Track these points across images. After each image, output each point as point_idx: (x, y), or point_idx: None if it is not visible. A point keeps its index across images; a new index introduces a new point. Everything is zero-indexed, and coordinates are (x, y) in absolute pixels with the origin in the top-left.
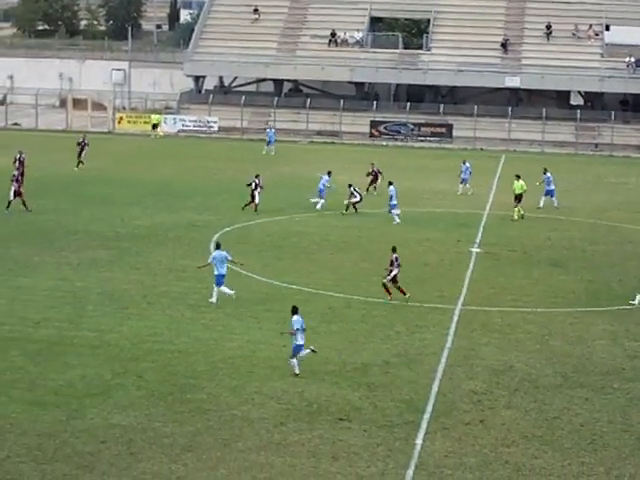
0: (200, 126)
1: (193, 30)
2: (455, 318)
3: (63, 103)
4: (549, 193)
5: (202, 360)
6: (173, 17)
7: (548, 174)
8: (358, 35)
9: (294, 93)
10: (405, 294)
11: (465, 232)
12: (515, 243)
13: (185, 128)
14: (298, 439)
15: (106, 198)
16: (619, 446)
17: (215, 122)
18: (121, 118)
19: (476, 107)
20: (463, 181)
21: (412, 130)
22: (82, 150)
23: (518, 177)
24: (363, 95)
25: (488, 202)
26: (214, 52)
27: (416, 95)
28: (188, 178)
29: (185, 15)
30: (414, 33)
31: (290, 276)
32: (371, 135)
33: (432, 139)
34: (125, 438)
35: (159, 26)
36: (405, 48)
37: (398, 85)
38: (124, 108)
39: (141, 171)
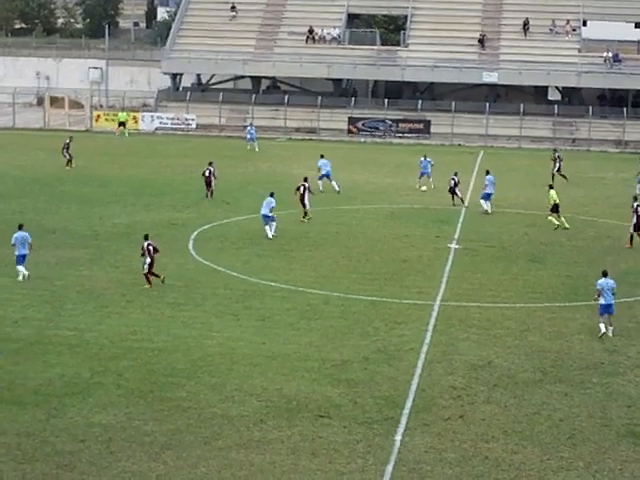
0: (178, 124)
1: (170, 28)
2: (434, 314)
3: (40, 101)
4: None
5: (182, 358)
6: (150, 15)
7: (490, 176)
8: (335, 32)
9: (272, 90)
10: (159, 276)
11: (444, 228)
12: (493, 239)
13: (163, 126)
14: (278, 436)
15: (84, 197)
16: (598, 440)
17: (193, 119)
18: (98, 116)
19: (454, 103)
20: (422, 175)
21: (390, 126)
22: (67, 148)
23: (551, 187)
24: (341, 92)
25: (466, 198)
26: (191, 49)
27: (394, 91)
28: (167, 176)
29: (162, 13)
30: (391, 29)
31: (269, 273)
32: (349, 132)
33: (410, 135)
34: (105, 437)
35: (136, 24)
36: (383, 44)
37: (376, 81)
38: (101, 106)
39: (120, 169)
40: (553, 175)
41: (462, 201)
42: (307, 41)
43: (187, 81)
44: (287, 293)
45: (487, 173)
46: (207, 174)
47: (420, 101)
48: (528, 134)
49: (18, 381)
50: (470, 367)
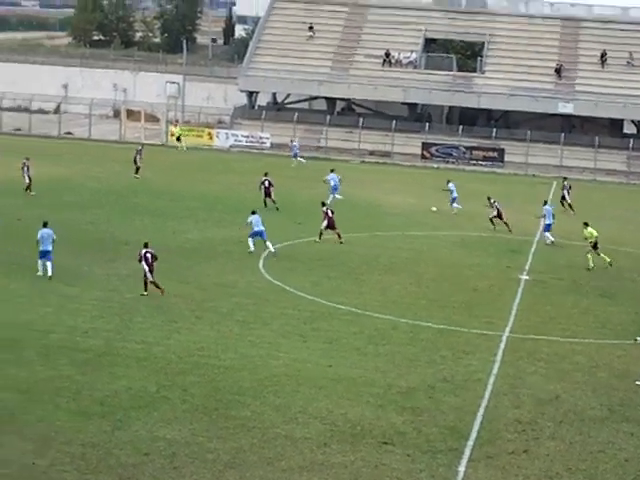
0: (252, 142)
1: (248, 45)
2: (502, 345)
3: (117, 114)
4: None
5: (248, 377)
6: (228, 32)
7: (547, 206)
8: (412, 56)
9: (347, 112)
10: (159, 288)
11: (515, 258)
12: (564, 272)
13: (237, 143)
14: (341, 460)
15: (158, 210)
16: None
17: (267, 138)
18: (184, 131)
19: (529, 132)
20: (453, 200)
21: (464, 153)
22: (138, 156)
23: (586, 225)
24: (416, 116)
25: (539, 229)
26: (268, 68)
27: (469, 118)
28: (239, 193)
29: (240, 30)
30: (468, 55)
31: (338, 296)
32: (422, 157)
33: (484, 163)
34: (168, 452)
35: (214, 40)
36: (459, 70)
37: (451, 107)
38: (177, 121)
39: (193, 184)
40: (563, 203)
41: (507, 226)
42: (383, 64)
43: (263, 99)
44: (355, 316)
45: (545, 203)
46: (266, 185)
47: (494, 129)
48: (602, 167)
49: (85, 391)
50: (536, 401)
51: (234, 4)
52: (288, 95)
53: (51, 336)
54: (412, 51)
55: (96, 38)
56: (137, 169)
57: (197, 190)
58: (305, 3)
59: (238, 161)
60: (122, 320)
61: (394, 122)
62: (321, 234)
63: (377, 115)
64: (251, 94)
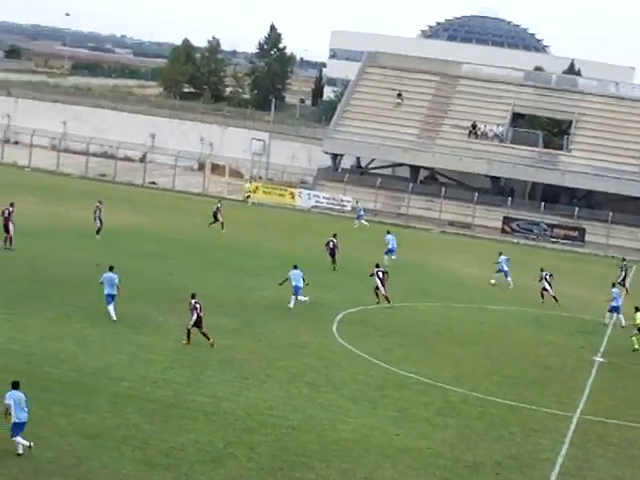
0: (334, 204)
1: (335, 108)
2: (572, 427)
3: (201, 167)
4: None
5: (315, 439)
6: (317, 93)
7: (616, 289)
8: (499, 129)
9: (430, 181)
10: (209, 339)
11: (590, 339)
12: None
13: (318, 204)
14: None
15: (235, 266)
16: None
17: (349, 201)
18: (257, 188)
19: (610, 213)
20: (505, 273)
21: (545, 230)
22: (217, 212)
23: (637, 309)
24: (498, 189)
25: (621, 312)
26: (354, 132)
27: (551, 195)
28: (318, 254)
29: (329, 92)
30: (555, 132)
31: (410, 364)
32: (503, 231)
33: (564, 241)
34: None
35: (302, 100)
36: (545, 147)
37: (534, 183)
38: (261, 178)
39: (272, 242)
40: (613, 284)
41: (555, 300)
42: (469, 135)
43: (347, 162)
44: (426, 387)
45: (613, 286)
46: (331, 246)
47: (577, 208)
48: None
49: (152, 441)
50: None
51: (325, 66)
52: (372, 160)
53: (122, 384)
54: (499, 124)
55: (186, 90)
56: (222, 224)
57: (276, 248)
58: (395, 70)
59: (318, 222)
60: (193, 373)
61: (476, 194)
62: (378, 296)
63: (460, 186)
64: (335, 156)
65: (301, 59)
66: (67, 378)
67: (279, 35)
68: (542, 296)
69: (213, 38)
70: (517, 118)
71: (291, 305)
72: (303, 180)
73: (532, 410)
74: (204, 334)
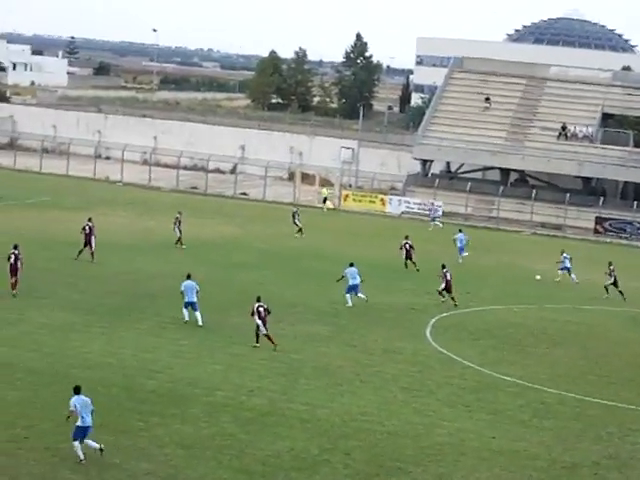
0: (424, 209)
1: (424, 114)
2: None
3: (291, 176)
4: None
5: (410, 444)
6: (404, 99)
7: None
8: (588, 130)
9: (520, 183)
10: (273, 342)
11: None
12: None
13: (409, 210)
14: None
15: (326, 273)
16: None
17: (440, 206)
18: (347, 196)
19: None
20: (568, 270)
21: (638, 229)
22: (294, 218)
23: None
24: (589, 190)
25: None
26: (443, 137)
27: None
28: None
29: (416, 99)
30: None
31: (504, 367)
32: (595, 231)
33: None
34: None
35: (390, 107)
36: (635, 146)
37: (626, 182)
38: (350, 186)
39: (363, 249)
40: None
41: (622, 295)
42: (559, 137)
43: (436, 167)
44: (521, 389)
45: (562, 253)
46: (407, 247)
47: None
48: None
49: (248, 450)
50: None
51: (411, 73)
52: (462, 164)
53: (217, 393)
54: (588, 125)
55: (274, 101)
56: (300, 230)
57: (366, 255)
58: (482, 74)
59: (409, 228)
60: (287, 380)
61: (567, 195)
62: (441, 294)
63: (550, 187)
64: (425, 162)
65: (388, 67)
66: (162, 389)
67: (365, 44)
68: (607, 291)
69: (300, 49)
70: (606, 118)
71: (350, 304)
72: (393, 187)
73: (630, 409)
74: (267, 336)
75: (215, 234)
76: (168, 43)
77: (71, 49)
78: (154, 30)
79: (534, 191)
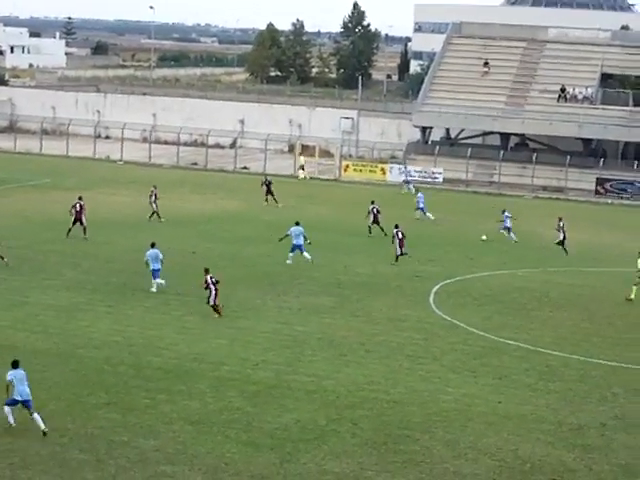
0: (425, 177)
1: (423, 81)
2: None
3: (291, 149)
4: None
5: (417, 411)
6: (403, 68)
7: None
8: (588, 91)
9: (520, 147)
10: (220, 314)
11: None
12: None
13: (410, 179)
14: None
15: (329, 245)
16: None
17: (440, 173)
18: (347, 166)
19: None
20: (508, 229)
21: (639, 189)
22: (269, 189)
23: None
24: (590, 151)
25: None
26: (442, 103)
27: None
28: (412, 228)
29: (415, 66)
30: None
31: (509, 331)
32: (597, 192)
33: None
34: None
35: (389, 76)
36: (635, 105)
37: (627, 143)
38: (351, 156)
39: (364, 220)
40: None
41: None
42: (559, 99)
43: (436, 134)
44: (526, 352)
45: (503, 212)
46: (375, 212)
47: None
48: None
49: (255, 423)
50: None
51: (410, 40)
52: (462, 130)
53: (222, 368)
54: (588, 86)
55: (273, 74)
56: (274, 199)
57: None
58: (481, 39)
59: (410, 196)
60: (293, 353)
61: (568, 157)
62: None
63: (551, 150)
64: (425, 129)
65: (386, 35)
66: (169, 365)
67: (363, 13)
68: (563, 248)
69: (297, 20)
70: (606, 79)
71: (290, 261)
72: (393, 155)
73: (634, 370)
74: (213, 306)
75: (218, 209)
76: (165, 20)
77: (68, 30)
78: (151, 7)
79: (534, 154)
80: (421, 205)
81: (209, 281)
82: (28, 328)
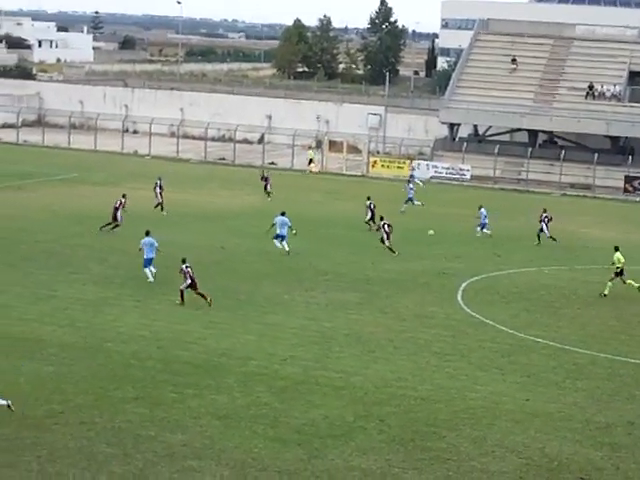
0: (452, 173)
1: (450, 77)
2: None
3: (319, 144)
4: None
5: (444, 409)
6: (430, 64)
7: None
8: (616, 89)
9: (548, 144)
10: (207, 299)
11: None
12: None
13: (437, 175)
14: None
15: (357, 241)
16: None
17: (468, 170)
18: (375, 162)
19: None
20: (484, 226)
21: None
22: (267, 184)
23: (617, 248)
24: (618, 149)
25: None
26: (470, 100)
27: None
28: (440, 225)
29: (442, 62)
30: None
31: (536, 329)
32: (625, 190)
33: None
34: None
35: (416, 72)
36: None
37: None
38: (378, 152)
39: (392, 216)
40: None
41: (554, 240)
42: (587, 97)
43: (463, 131)
44: (553, 350)
45: (480, 208)
46: (372, 207)
47: None
48: None
49: (282, 419)
50: None
51: (437, 36)
52: (489, 127)
53: (250, 363)
54: (616, 84)
55: (300, 70)
56: (268, 193)
57: (396, 222)
58: (508, 35)
59: (438, 192)
60: (321, 349)
61: (596, 155)
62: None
63: (579, 148)
64: (452, 126)
65: (413, 31)
66: (197, 360)
67: (390, 9)
68: (538, 238)
69: (324, 16)
70: (634, 76)
71: (278, 245)
72: (421, 152)
73: None
74: (200, 294)
75: (245, 204)
76: (193, 15)
77: (96, 24)
78: (178, 2)
79: (562, 152)
80: (410, 195)
81: (184, 270)
82: (55, 322)
